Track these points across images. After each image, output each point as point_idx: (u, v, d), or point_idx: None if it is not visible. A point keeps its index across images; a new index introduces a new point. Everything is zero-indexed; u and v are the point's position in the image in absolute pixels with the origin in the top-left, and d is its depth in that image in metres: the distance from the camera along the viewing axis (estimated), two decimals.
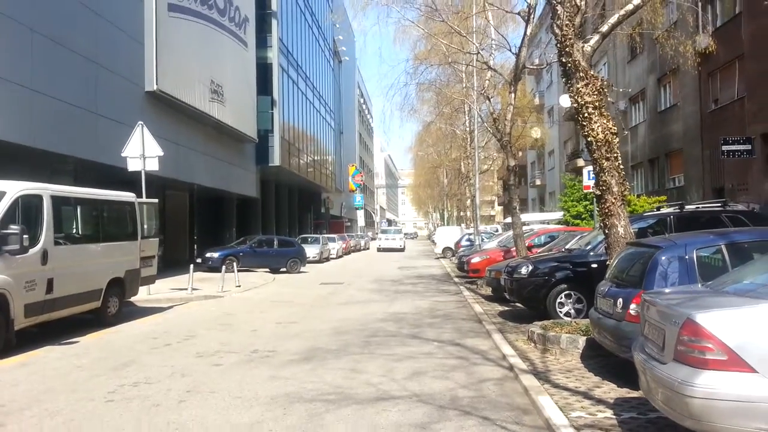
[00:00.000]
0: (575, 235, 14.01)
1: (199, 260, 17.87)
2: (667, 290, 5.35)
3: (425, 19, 17.77)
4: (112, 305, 10.71)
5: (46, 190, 8.98)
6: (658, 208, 12.03)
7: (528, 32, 15.77)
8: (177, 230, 27.67)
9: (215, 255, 22.71)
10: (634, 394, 5.55)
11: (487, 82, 20.01)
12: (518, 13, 16.88)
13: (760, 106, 17.96)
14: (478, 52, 17.53)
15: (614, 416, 5.16)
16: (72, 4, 15.76)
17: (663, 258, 6.04)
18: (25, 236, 7.99)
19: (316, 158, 45.75)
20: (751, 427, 3.56)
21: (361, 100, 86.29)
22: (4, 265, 7.88)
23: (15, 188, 8.35)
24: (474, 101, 22.79)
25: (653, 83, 26.72)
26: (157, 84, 19.22)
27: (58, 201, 9.11)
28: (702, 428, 3.76)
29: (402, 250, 46.35)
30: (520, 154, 50.85)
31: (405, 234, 60.79)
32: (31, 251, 8.34)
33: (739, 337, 3.61)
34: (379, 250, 46.85)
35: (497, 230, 36.62)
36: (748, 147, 18.33)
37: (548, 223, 28.98)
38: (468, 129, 32.80)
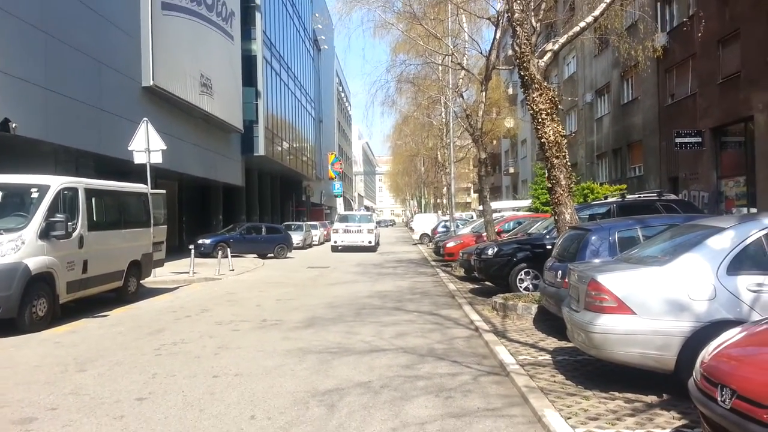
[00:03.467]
0: (537, 221, 15.74)
1: (191, 246, 19.27)
2: (587, 262, 7.04)
3: (404, 20, 19.21)
4: (132, 285, 12.17)
5: (80, 183, 10.39)
6: (606, 197, 13.80)
7: (497, 36, 17.36)
8: (167, 218, 28.81)
9: (207, 241, 24.09)
10: (570, 345, 7.24)
11: (460, 80, 21.59)
12: (488, 19, 18.44)
13: (709, 102, 19.81)
14: (453, 54, 19.07)
15: (551, 358, 6.85)
16: (75, 5, 16.87)
17: (593, 238, 7.76)
18: (69, 223, 9.41)
19: (297, 147, 46.96)
20: (633, 351, 5.24)
21: (340, 89, 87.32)
22: (51, 247, 9.29)
23: (57, 182, 9.74)
24: (449, 97, 24.33)
25: (617, 77, 28.49)
26: (153, 79, 20.44)
27: (89, 192, 10.51)
28: (601, 355, 5.47)
29: (372, 248, 29.89)
30: (494, 143, 52.48)
31: (379, 223, 42.15)
32: (72, 236, 9.74)
33: (624, 290, 5.29)
34: (334, 249, 29.90)
35: (472, 217, 38.38)
36: (699, 140, 20.21)
37: (518, 210, 30.79)
38: (444, 120, 34.41)
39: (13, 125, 13.67)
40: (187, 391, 5.84)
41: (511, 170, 54.35)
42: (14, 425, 4.91)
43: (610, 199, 12.77)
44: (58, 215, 9.30)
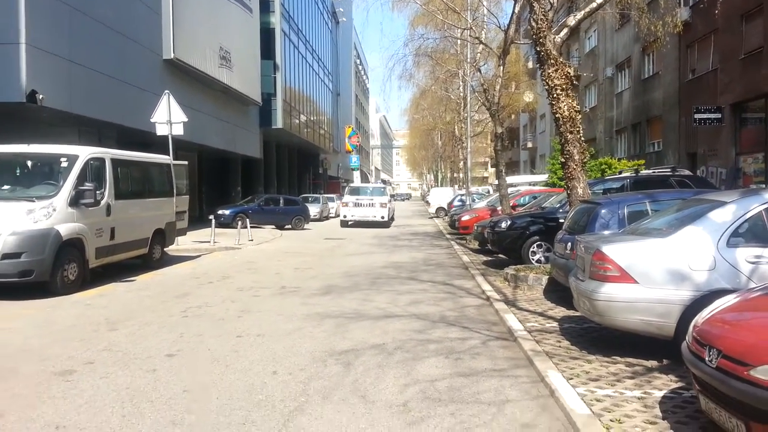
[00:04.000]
0: (552, 195, 15.89)
1: (211, 217, 19.77)
2: (595, 234, 7.27)
3: None
4: (156, 252, 12.64)
5: (107, 153, 10.78)
6: (620, 172, 13.91)
7: (516, 10, 17.29)
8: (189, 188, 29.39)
9: (227, 212, 24.58)
10: (577, 314, 7.50)
11: (478, 54, 21.55)
12: None
13: (730, 77, 19.62)
14: (471, 28, 19.04)
15: (558, 326, 7.14)
16: None
17: (602, 211, 7.97)
18: (97, 192, 9.83)
19: (314, 120, 47.13)
20: (635, 318, 5.51)
21: (358, 61, 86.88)
22: (81, 215, 9.72)
23: (85, 152, 10.13)
24: (467, 71, 24.30)
25: (638, 52, 28.16)
26: (174, 52, 20.70)
27: (116, 163, 10.89)
28: (604, 321, 5.74)
29: (386, 224, 27.37)
30: (513, 117, 52.09)
31: (393, 196, 37.76)
32: (100, 204, 10.16)
33: (627, 260, 5.53)
34: (344, 224, 27.39)
35: (489, 191, 38.45)
36: (719, 116, 20.07)
37: (535, 185, 30.83)
38: (462, 94, 34.29)
39: (40, 97, 14.07)
40: (213, 349, 6.23)
41: (530, 145, 54.03)
42: (56, 376, 5.33)
43: (624, 174, 12.88)
44: (87, 184, 9.71)
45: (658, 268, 5.41)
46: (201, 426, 4.22)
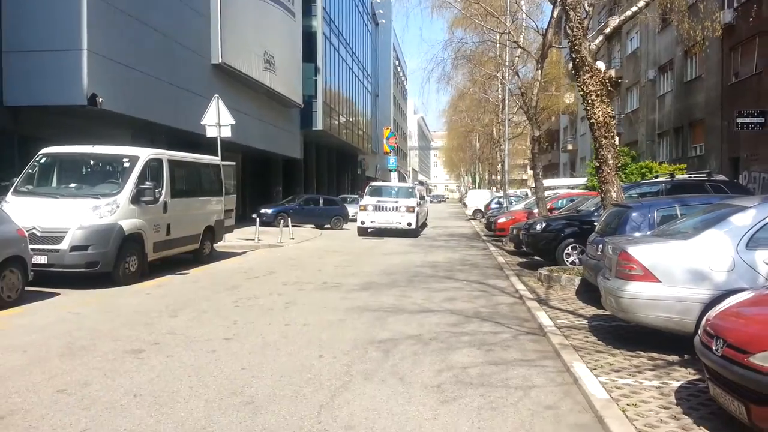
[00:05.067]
0: (589, 198, 16.07)
1: (254, 215, 20.59)
2: (625, 236, 7.60)
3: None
4: (206, 247, 13.43)
5: (164, 154, 11.58)
6: (656, 176, 14.04)
7: (554, 15, 17.53)
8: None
9: (269, 211, 25.43)
10: (606, 313, 7.82)
11: (516, 58, 21.80)
12: None
13: None
14: (510, 32, 19.34)
15: (587, 323, 7.50)
16: None
17: (633, 215, 8.29)
18: (157, 190, 10.61)
19: (353, 121, 47.89)
20: (657, 314, 5.86)
21: (396, 62, 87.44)
22: (141, 211, 10.52)
23: (145, 153, 10.94)
24: (505, 74, 24.56)
25: (681, 54, 27.88)
26: (221, 57, 21.63)
27: (172, 163, 11.69)
28: (628, 317, 6.11)
29: (413, 232, 22.11)
30: (553, 119, 51.80)
31: (424, 198, 29.83)
32: (158, 202, 10.95)
33: (651, 260, 5.88)
34: (362, 232, 22.29)
35: (527, 194, 38.43)
36: (761, 120, 19.84)
37: (574, 188, 30.78)
38: (500, 96, 34.46)
39: (100, 100, 15.04)
40: (264, 334, 6.84)
41: (570, 147, 53.54)
42: (128, 354, 6.00)
43: (660, 179, 13.04)
44: (147, 183, 10.51)
45: (679, 268, 5.75)
46: (259, 396, 4.79)
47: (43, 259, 9.35)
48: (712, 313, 4.44)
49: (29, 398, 4.72)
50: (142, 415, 4.39)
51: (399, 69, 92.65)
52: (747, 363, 3.62)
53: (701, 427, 4.11)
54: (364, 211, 22.03)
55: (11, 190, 10.48)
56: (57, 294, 9.14)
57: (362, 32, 52.94)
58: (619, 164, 10.41)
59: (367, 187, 24.46)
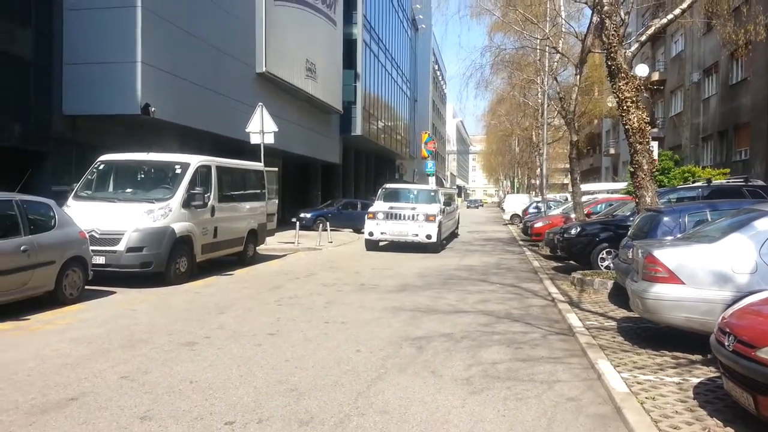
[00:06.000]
0: (627, 203, 16.08)
1: (293, 219, 21.24)
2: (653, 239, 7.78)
3: (501, 7, 19.85)
4: (250, 250, 14.06)
5: (213, 161, 12.25)
6: (694, 182, 14.01)
7: (593, 21, 17.59)
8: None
9: (308, 215, 26.09)
10: (637, 316, 8.00)
11: (555, 63, 21.88)
12: (585, 2, 18.67)
13: None
14: (548, 38, 19.47)
15: (616, 325, 7.71)
16: None
17: (665, 219, 8.46)
18: (206, 195, 11.26)
19: (391, 126, 48.41)
20: (680, 315, 6.06)
21: (436, 67, 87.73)
22: (191, 215, 11.18)
23: (195, 160, 11.61)
24: (544, 79, 24.63)
25: (726, 56, 27.36)
26: (265, 66, 22.41)
27: (219, 170, 12.35)
28: (653, 318, 6.33)
29: (433, 247, 17.88)
30: (595, 122, 51.18)
31: (449, 203, 22.55)
32: (207, 206, 11.60)
33: (675, 263, 6.09)
34: (370, 246, 18.38)
35: (566, 198, 38.13)
36: None
37: (614, 193, 30.46)
38: (539, 100, 34.40)
39: (153, 109, 15.89)
40: (305, 330, 7.30)
41: (612, 151, 52.76)
42: (182, 346, 6.54)
43: (697, 184, 13.05)
44: (197, 188, 11.16)
45: (703, 271, 5.94)
46: (302, 384, 5.24)
47: (101, 260, 10.05)
48: (728, 312, 4.67)
49: (97, 383, 5.27)
50: (198, 399, 4.88)
51: (438, 73, 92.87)
52: (754, 357, 3.86)
53: (714, 418, 4.35)
54: (373, 219, 17.97)
55: (72, 195, 11.27)
56: (114, 292, 9.83)
57: (402, 38, 53.47)
58: (661, 168, 10.50)
59: (380, 190, 20.18)
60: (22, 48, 14.83)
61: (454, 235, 23.56)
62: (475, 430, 4.33)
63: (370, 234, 18.05)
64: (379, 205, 18.52)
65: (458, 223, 25.49)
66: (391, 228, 17.78)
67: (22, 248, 7.85)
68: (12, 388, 5.07)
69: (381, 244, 18.33)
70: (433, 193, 20.13)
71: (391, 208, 18.05)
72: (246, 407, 4.69)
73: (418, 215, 17.76)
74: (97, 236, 10.11)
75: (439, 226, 18.03)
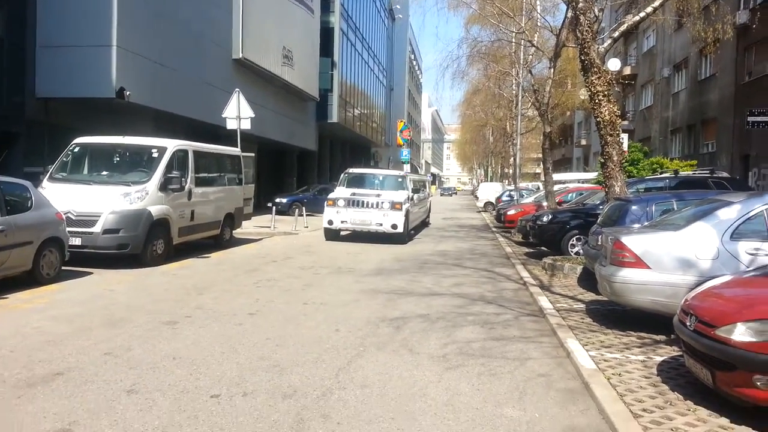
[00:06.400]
0: (597, 193, 16.50)
1: (269, 204, 21.30)
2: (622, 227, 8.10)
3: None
4: (226, 233, 14.10)
5: (190, 145, 12.23)
6: (662, 173, 14.47)
7: (568, 16, 17.89)
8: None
9: (284, 200, 26.15)
10: (604, 299, 8.33)
11: (530, 56, 22.20)
12: None
13: None
14: (524, 31, 19.74)
15: (584, 307, 8.03)
16: None
17: (633, 208, 8.79)
18: (183, 179, 11.26)
19: (367, 114, 48.43)
20: (646, 298, 6.37)
21: (412, 56, 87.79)
22: (168, 198, 11.17)
23: (172, 144, 11.58)
24: (519, 71, 24.96)
25: (696, 53, 28.04)
26: (242, 52, 22.26)
27: (196, 154, 12.33)
28: (620, 300, 6.64)
29: (398, 237, 16.30)
30: (567, 114, 51.93)
31: (419, 190, 20.78)
32: (184, 190, 11.59)
33: (642, 249, 6.39)
34: (329, 235, 16.86)
35: (539, 188, 38.71)
36: None
37: (584, 183, 31.07)
38: (514, 92, 34.81)
39: (127, 93, 15.72)
40: (285, 311, 7.45)
41: (584, 142, 53.66)
42: (164, 325, 6.63)
43: (664, 175, 13.49)
44: (174, 172, 11.15)
45: (668, 257, 6.25)
46: (284, 360, 5.40)
47: (77, 241, 10.02)
48: (690, 294, 4.97)
49: (81, 359, 5.35)
50: (183, 374, 5.00)
51: (414, 63, 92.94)
52: (712, 335, 4.15)
53: (675, 392, 4.65)
54: (333, 206, 16.35)
55: (46, 177, 11.15)
56: (90, 273, 9.82)
57: (379, 27, 53.37)
58: (630, 160, 10.83)
59: (342, 175, 18.32)
60: None
61: (424, 224, 22.41)
62: (452, 402, 4.55)
63: (330, 222, 16.40)
64: (340, 191, 16.81)
65: (429, 211, 23.99)
66: (352, 216, 16.21)
67: None
68: None
69: (342, 233, 17.06)
70: (400, 179, 18.14)
71: (354, 194, 16.41)
72: (230, 381, 4.84)
73: (383, 203, 16.13)
74: (73, 218, 10.06)
75: (407, 215, 16.49)
